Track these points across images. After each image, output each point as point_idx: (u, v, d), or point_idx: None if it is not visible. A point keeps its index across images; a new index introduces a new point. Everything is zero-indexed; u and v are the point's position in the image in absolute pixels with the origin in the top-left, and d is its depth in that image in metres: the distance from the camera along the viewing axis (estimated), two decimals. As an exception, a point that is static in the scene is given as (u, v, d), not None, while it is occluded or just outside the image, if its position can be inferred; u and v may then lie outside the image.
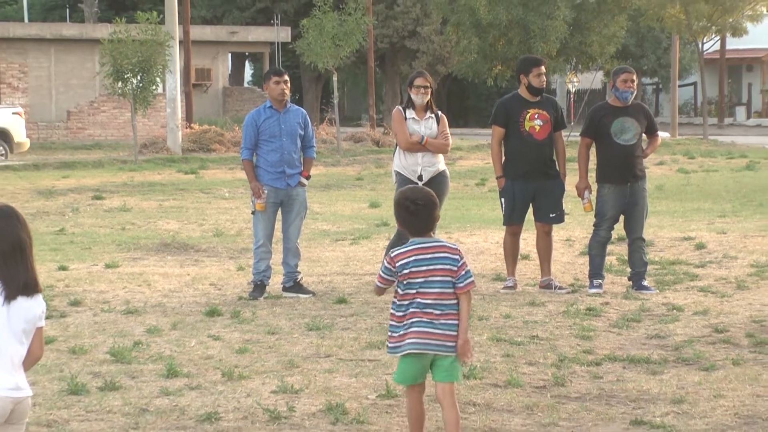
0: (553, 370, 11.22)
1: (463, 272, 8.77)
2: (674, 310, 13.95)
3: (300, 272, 15.55)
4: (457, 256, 8.78)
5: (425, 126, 15.37)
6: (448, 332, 8.76)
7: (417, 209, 8.97)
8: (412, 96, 15.45)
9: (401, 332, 8.75)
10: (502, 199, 15.54)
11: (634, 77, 15.66)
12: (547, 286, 15.38)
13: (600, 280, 15.23)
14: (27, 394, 7.11)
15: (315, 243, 19.69)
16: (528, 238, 16.43)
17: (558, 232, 16.71)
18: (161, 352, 12.14)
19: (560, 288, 15.39)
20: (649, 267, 15.77)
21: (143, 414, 9.97)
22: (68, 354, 11.90)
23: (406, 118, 15.44)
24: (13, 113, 43.02)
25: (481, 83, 51.73)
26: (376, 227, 22.18)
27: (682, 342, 12.36)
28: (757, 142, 50.28)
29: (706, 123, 52.04)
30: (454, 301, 8.80)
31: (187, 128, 45.58)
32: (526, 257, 16.69)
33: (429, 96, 15.49)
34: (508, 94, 16.12)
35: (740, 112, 70.05)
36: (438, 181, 15.31)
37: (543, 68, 15.59)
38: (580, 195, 15.28)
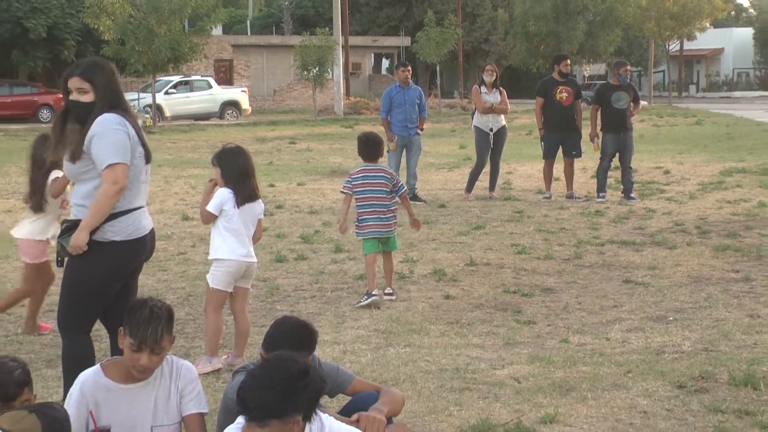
0: (574, 248, 12.73)
1: (399, 184, 10.24)
2: (650, 212, 15.66)
3: (417, 188, 17.30)
4: (390, 175, 10.19)
5: (493, 97, 17.12)
6: (389, 222, 10.12)
7: (368, 143, 10.30)
8: (485, 77, 17.34)
9: (363, 224, 10.10)
10: (542, 143, 17.45)
11: (629, 67, 17.40)
12: (570, 197, 17.27)
13: (603, 193, 17.10)
14: (254, 260, 7.89)
15: (425, 170, 20.99)
16: (558, 167, 17.79)
17: (577, 164, 17.97)
18: (331, 236, 13.57)
19: (578, 198, 17.25)
20: (633, 185, 17.40)
21: (321, 274, 11.37)
22: (275, 237, 13.47)
23: (480, 93, 17.22)
24: (241, 91, 50.12)
25: (529, 71, 64.59)
26: (463, 160, 23.92)
27: (655, 231, 13.88)
28: (703, 107, 54.69)
29: (670, 96, 63.41)
30: (393, 203, 10.14)
31: (346, 99, 53.72)
32: (557, 179, 18.05)
33: (495, 78, 17.25)
34: (546, 77, 18.03)
35: (692, 89, 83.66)
36: (501, 132, 17.26)
37: (568, 61, 17.59)
38: (592, 140, 17.12)
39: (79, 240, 5.94)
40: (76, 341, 6.16)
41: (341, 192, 10.38)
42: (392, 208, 10.18)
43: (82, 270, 6.08)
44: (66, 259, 6.14)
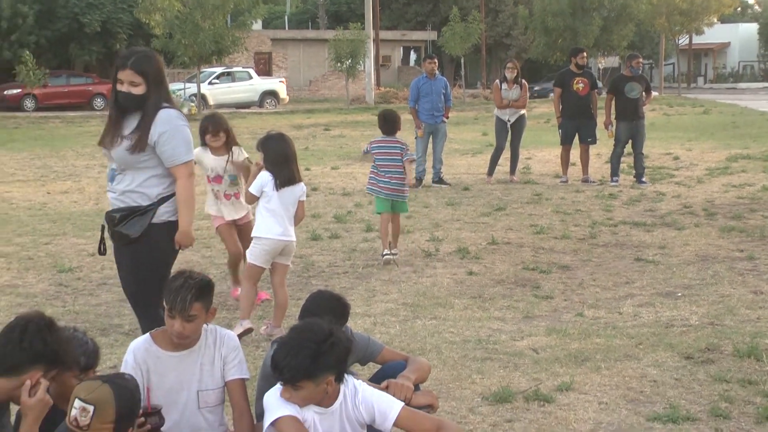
0: (589, 229, 12.72)
1: (408, 151, 10.86)
2: (660, 195, 15.59)
3: (442, 172, 17.31)
4: (403, 145, 10.84)
5: (512, 93, 17.12)
6: (402, 188, 10.79)
7: (387, 119, 11.04)
8: (506, 74, 17.33)
9: (378, 184, 10.82)
10: (560, 130, 17.36)
11: (641, 60, 17.30)
12: (585, 180, 17.24)
13: (617, 177, 17.08)
14: (292, 239, 7.92)
15: (450, 155, 20.87)
16: (574, 153, 17.74)
17: (592, 150, 17.96)
18: (363, 217, 13.70)
19: (593, 182, 17.18)
20: (645, 170, 17.32)
21: (353, 252, 11.47)
22: (311, 217, 13.35)
23: (501, 89, 17.21)
24: (279, 81, 49.96)
25: (547, 63, 64.66)
26: (485, 146, 23.58)
27: (665, 213, 13.85)
28: (710, 98, 53.90)
29: (680, 86, 63.39)
30: (403, 171, 10.77)
31: (377, 89, 53.56)
32: (573, 164, 17.98)
33: (516, 74, 17.21)
34: (563, 69, 18.01)
35: (700, 80, 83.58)
36: (520, 121, 17.31)
37: (584, 54, 17.48)
38: (606, 128, 17.11)
39: (187, 237, 6.10)
40: (150, 316, 6.13)
41: (363, 151, 11.04)
42: (402, 176, 10.77)
43: (149, 252, 6.09)
44: (105, 247, 6.21)
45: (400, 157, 10.76)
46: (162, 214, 6.06)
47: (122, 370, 4.84)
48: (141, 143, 5.95)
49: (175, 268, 6.48)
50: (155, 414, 4.73)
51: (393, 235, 10.99)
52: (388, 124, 10.97)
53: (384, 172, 10.78)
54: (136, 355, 4.88)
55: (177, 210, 6.09)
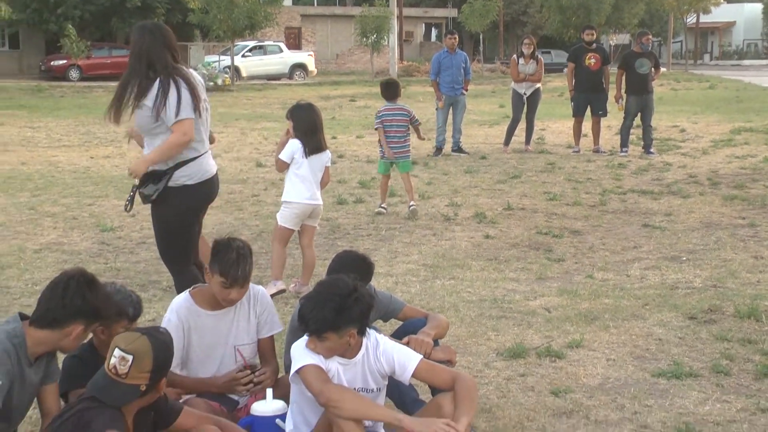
0: (599, 196, 12.67)
1: (415, 118, 11.38)
2: (667, 165, 15.54)
3: (461, 141, 17.35)
4: (407, 112, 11.31)
5: (529, 67, 17.12)
6: (405, 149, 11.43)
7: (388, 86, 11.53)
8: (523, 49, 17.31)
9: (381, 150, 11.41)
10: (572, 103, 17.36)
11: (651, 37, 17.25)
12: (596, 151, 17.18)
13: (626, 148, 17.03)
14: (319, 203, 8.03)
15: (468, 126, 20.66)
16: (586, 125, 17.67)
17: (603, 122, 17.78)
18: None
19: (604, 152, 17.12)
20: (653, 141, 17.25)
21: (376, 215, 11.46)
22: (337, 183, 13.43)
23: (518, 63, 17.22)
24: (308, 55, 49.94)
25: (561, 39, 63.24)
26: (502, 117, 23.41)
27: (671, 182, 13.79)
28: (716, 74, 52.91)
29: (687, 63, 63.93)
30: (407, 134, 11.38)
31: (400, 63, 53.29)
32: (585, 135, 17.90)
33: (532, 49, 17.16)
34: (576, 45, 17.93)
35: (706, 57, 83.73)
36: (535, 94, 17.25)
37: (590, 31, 17.32)
38: (616, 101, 17.05)
39: (137, 167, 6.07)
40: (182, 274, 6.23)
41: (375, 129, 11.65)
42: (407, 138, 11.38)
43: (165, 213, 6.16)
44: (131, 205, 6.21)
45: (406, 123, 11.26)
46: (178, 178, 6.08)
47: (165, 327, 4.83)
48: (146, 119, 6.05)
49: (208, 228, 6.57)
50: (252, 370, 4.90)
51: (407, 191, 11.62)
52: (390, 89, 11.43)
53: (389, 137, 11.24)
54: (179, 313, 4.90)
55: (193, 175, 6.10)
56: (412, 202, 11.42)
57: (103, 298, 4.22)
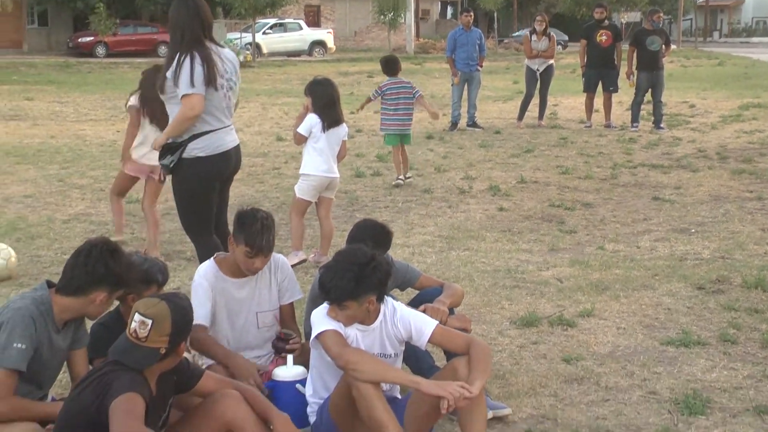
0: (610, 170, 12.69)
1: (416, 90, 11.52)
2: (677, 140, 15.52)
3: (476, 117, 17.28)
4: (410, 85, 11.57)
5: (541, 44, 17.06)
6: (408, 122, 11.62)
7: (388, 63, 11.74)
8: (536, 26, 17.29)
9: (388, 122, 11.63)
10: (583, 79, 17.29)
11: (662, 15, 17.21)
12: (608, 126, 17.13)
13: (637, 123, 16.94)
14: (336, 176, 8.06)
15: (483, 101, 20.54)
16: (598, 101, 17.51)
17: (614, 98, 17.61)
18: None
19: (615, 127, 17.09)
20: (663, 116, 17.15)
21: (393, 188, 11.52)
22: (355, 156, 13.52)
23: (531, 40, 17.14)
24: (327, 32, 49.67)
25: (573, 17, 61.26)
26: (516, 94, 23.25)
27: (681, 156, 13.77)
28: (725, 51, 52.15)
29: (696, 40, 63.38)
30: (412, 108, 11.59)
31: (416, 40, 53.28)
32: (596, 111, 17.72)
33: (544, 26, 17.15)
34: (589, 22, 17.84)
35: (716, 34, 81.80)
36: (548, 70, 17.19)
37: (600, 9, 17.20)
38: (628, 77, 16.97)
39: (158, 140, 6.18)
40: (202, 242, 6.23)
41: (370, 97, 11.92)
42: (410, 111, 11.55)
43: (179, 183, 6.17)
44: (164, 176, 6.25)
45: (410, 95, 11.40)
46: (191, 150, 6.06)
47: (197, 292, 4.91)
48: (161, 83, 6.06)
49: (230, 200, 6.57)
50: (287, 339, 4.94)
51: (403, 162, 11.70)
52: (391, 65, 11.65)
53: (394, 110, 11.45)
54: (208, 278, 4.93)
55: (205, 147, 6.07)
56: (400, 176, 11.64)
57: (125, 266, 4.24)
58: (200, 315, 4.74)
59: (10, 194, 11.00)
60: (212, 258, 5.08)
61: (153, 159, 8.16)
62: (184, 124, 6.00)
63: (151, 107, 7.95)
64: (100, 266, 4.13)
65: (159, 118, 7.77)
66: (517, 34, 58.32)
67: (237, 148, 6.35)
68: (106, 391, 3.58)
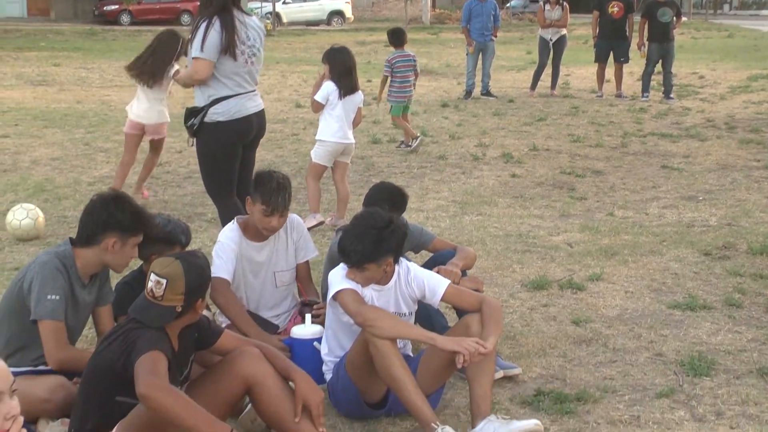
0: (621, 139, 12.63)
1: (416, 63, 11.90)
2: (686, 110, 15.43)
3: (490, 86, 17.19)
4: (413, 57, 11.84)
5: (555, 13, 16.93)
6: (412, 92, 12.03)
7: (395, 34, 11.95)
8: None
9: (397, 94, 11.86)
10: (595, 49, 17.17)
11: None
12: (619, 95, 17.02)
13: (647, 93, 16.81)
14: (351, 141, 8.08)
15: (497, 71, 20.32)
16: (609, 71, 17.30)
17: (625, 68, 17.38)
18: (418, 123, 13.54)
19: (626, 97, 16.99)
20: (673, 87, 17.03)
21: (408, 154, 11.54)
22: (371, 123, 13.73)
23: (544, 10, 17.03)
24: (345, 2, 48.75)
25: None
26: (529, 64, 23.07)
27: (690, 126, 13.68)
28: (734, 23, 50.73)
29: (707, 13, 61.66)
30: (413, 79, 11.89)
31: (432, 11, 52.42)
32: (608, 81, 17.55)
33: None
34: None
35: (726, 7, 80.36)
36: (561, 41, 17.07)
37: None
38: (639, 48, 16.69)
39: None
40: (224, 204, 6.24)
41: (384, 75, 11.93)
42: (414, 82, 11.91)
43: (202, 147, 6.19)
44: (192, 139, 6.25)
45: (413, 68, 11.77)
46: (212, 115, 6.05)
47: (225, 251, 4.92)
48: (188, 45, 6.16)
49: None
50: (311, 304, 4.98)
51: (407, 129, 11.92)
52: (397, 36, 11.86)
53: (402, 81, 11.73)
54: (233, 239, 4.96)
55: (225, 112, 6.05)
56: (410, 141, 11.74)
57: (131, 212, 4.26)
58: (226, 270, 4.81)
59: (38, 157, 11.05)
60: (234, 221, 5.09)
61: (145, 117, 8.51)
62: (188, 83, 6.13)
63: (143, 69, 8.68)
64: (103, 212, 4.20)
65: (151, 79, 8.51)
66: (510, 4, 57.50)
67: (260, 114, 6.31)
68: (131, 348, 3.58)
